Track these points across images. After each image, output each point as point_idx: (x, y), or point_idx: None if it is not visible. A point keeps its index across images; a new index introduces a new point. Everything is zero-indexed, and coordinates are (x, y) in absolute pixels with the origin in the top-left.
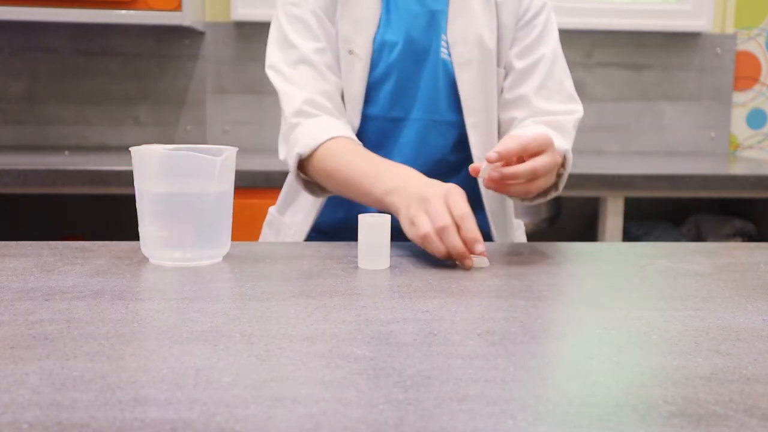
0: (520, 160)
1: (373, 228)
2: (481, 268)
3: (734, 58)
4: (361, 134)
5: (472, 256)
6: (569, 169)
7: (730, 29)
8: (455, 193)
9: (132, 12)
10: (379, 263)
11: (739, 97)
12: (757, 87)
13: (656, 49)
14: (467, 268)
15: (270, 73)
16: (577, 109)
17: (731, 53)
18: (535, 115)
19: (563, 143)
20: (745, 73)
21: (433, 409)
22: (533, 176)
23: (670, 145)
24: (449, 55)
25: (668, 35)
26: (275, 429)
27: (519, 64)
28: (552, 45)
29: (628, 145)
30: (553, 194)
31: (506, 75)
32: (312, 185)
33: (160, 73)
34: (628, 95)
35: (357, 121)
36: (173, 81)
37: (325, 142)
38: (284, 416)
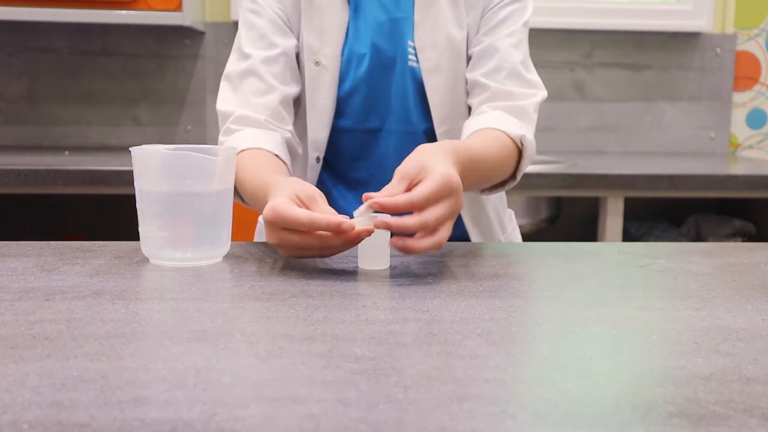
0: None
1: None
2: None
3: (734, 58)
4: (336, 147)
5: (354, 224)
6: (530, 156)
7: (730, 29)
8: (280, 201)
9: (132, 12)
10: (379, 263)
11: (739, 97)
12: (756, 87)
13: (656, 49)
14: (359, 235)
15: (222, 84)
16: (537, 92)
17: (731, 53)
18: (492, 99)
19: (520, 129)
20: (745, 73)
21: (433, 409)
22: (425, 228)
23: (670, 145)
24: (417, 61)
25: (668, 35)
26: (275, 429)
27: (476, 49)
28: (513, 31)
29: (628, 145)
30: (511, 184)
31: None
32: None
33: (160, 73)
34: (628, 95)
35: (324, 134)
36: (173, 81)
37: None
38: (284, 416)
